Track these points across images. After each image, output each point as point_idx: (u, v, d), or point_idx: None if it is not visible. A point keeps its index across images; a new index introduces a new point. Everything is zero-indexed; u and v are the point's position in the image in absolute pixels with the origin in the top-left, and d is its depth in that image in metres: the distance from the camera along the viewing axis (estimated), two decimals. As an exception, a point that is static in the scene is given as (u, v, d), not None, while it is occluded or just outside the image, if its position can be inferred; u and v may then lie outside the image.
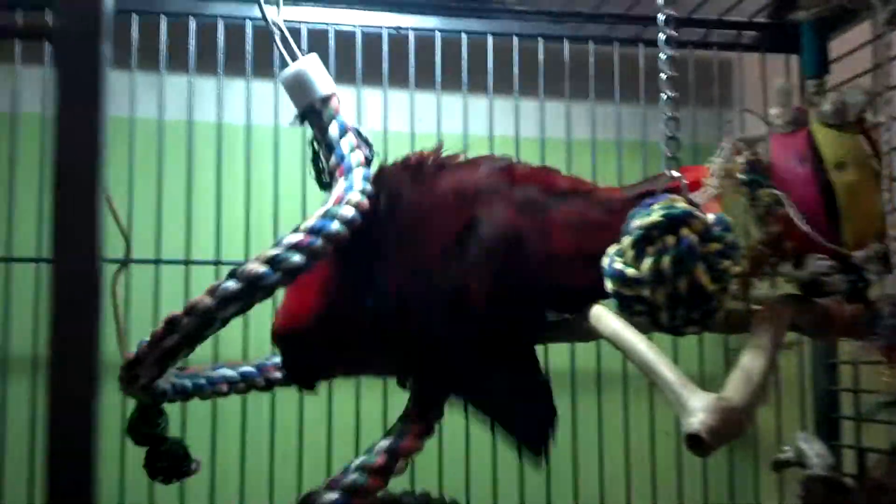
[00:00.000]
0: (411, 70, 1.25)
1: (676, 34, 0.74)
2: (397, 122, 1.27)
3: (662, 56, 0.74)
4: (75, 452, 0.39)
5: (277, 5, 0.93)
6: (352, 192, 0.82)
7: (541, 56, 1.28)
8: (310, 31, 1.24)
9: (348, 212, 0.79)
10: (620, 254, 0.68)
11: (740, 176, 0.74)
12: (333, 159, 0.90)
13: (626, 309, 0.70)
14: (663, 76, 0.74)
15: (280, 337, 0.85)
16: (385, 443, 0.83)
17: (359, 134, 0.92)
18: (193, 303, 0.72)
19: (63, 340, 0.40)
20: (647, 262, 0.65)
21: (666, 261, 0.65)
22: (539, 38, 1.29)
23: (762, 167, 0.74)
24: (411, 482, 1.13)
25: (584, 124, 1.30)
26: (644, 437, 1.28)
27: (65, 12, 0.40)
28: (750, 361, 0.73)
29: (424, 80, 1.26)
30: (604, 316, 0.85)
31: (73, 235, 0.39)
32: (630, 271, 0.66)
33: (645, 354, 0.77)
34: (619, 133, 1.30)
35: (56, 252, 0.40)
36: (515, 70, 1.27)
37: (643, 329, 0.77)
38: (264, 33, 1.00)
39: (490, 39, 1.27)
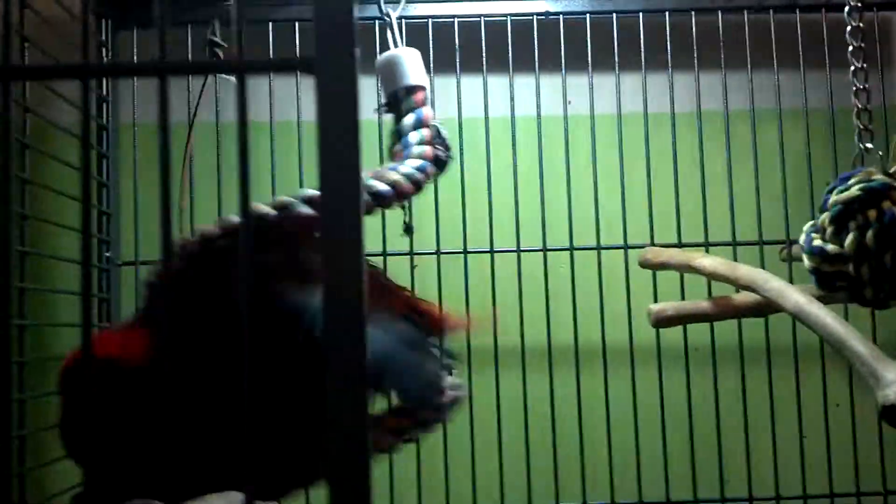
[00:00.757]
0: (562, 53, 1.26)
1: (859, 4, 0.73)
2: (550, 105, 1.28)
3: (851, 25, 0.73)
4: (353, 437, 0.42)
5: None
6: (390, 171, 0.84)
7: (694, 29, 1.27)
8: (461, 24, 1.26)
9: (377, 185, 0.82)
10: (818, 230, 0.68)
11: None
12: (398, 146, 0.91)
13: (826, 286, 0.69)
14: (851, 47, 0.73)
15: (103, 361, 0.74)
16: None
17: (438, 133, 0.93)
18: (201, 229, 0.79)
19: (336, 343, 0.43)
20: (850, 238, 0.65)
21: (870, 235, 0.64)
22: (691, 12, 1.27)
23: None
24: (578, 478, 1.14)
25: (741, 95, 1.28)
26: (818, 410, 1.26)
27: (324, 46, 0.43)
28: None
29: (575, 63, 1.27)
30: (786, 290, 0.84)
31: (338, 232, 0.42)
32: (832, 248, 0.66)
33: (834, 328, 0.76)
34: (778, 102, 1.28)
35: (325, 248, 0.43)
36: (668, 45, 1.27)
37: (830, 302, 0.76)
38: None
39: (641, 17, 1.27)
